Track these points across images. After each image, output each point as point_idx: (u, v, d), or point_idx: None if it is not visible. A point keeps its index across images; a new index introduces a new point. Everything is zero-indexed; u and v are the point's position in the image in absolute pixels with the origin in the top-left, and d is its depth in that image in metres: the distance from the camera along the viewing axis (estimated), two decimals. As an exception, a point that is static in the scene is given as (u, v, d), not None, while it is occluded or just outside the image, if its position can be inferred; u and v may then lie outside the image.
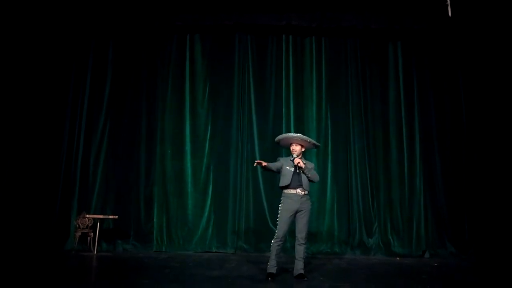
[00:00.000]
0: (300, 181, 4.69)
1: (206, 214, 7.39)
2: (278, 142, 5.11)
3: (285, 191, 4.74)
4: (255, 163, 4.88)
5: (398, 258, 6.91)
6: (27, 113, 7.49)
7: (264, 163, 4.83)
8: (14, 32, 7.42)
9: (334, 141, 7.62)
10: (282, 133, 7.37)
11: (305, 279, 4.64)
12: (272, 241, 4.72)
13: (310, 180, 4.79)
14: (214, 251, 7.17)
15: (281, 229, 4.68)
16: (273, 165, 4.88)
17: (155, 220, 7.35)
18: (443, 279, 5.25)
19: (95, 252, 6.70)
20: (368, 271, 5.61)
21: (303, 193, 4.68)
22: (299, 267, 4.69)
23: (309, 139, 4.98)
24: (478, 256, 6.92)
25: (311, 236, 7.12)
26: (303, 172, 4.73)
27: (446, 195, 7.37)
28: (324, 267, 5.78)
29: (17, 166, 7.30)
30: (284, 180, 4.73)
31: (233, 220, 7.33)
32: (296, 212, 4.66)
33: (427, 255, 7.06)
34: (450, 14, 5.94)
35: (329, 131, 7.65)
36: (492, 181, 7.19)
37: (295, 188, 4.68)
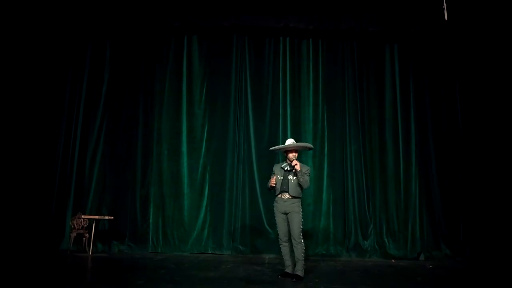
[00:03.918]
0: (287, 186, 4.95)
1: (202, 215, 7.38)
2: (272, 151, 5.45)
3: (275, 196, 5.06)
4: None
5: (393, 260, 6.94)
6: (24, 112, 7.46)
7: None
8: (11, 31, 7.39)
9: (330, 143, 7.63)
10: (278, 134, 7.55)
11: (293, 279, 4.79)
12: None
13: (300, 185, 4.96)
14: (210, 252, 7.17)
15: (278, 230, 5.04)
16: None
17: (151, 221, 7.33)
18: (437, 281, 5.27)
19: (90, 253, 6.68)
20: (363, 273, 5.63)
21: (286, 197, 4.93)
22: (296, 267, 4.87)
23: (303, 145, 5.31)
24: (472, 258, 6.95)
25: (307, 238, 7.14)
26: (296, 174, 4.88)
27: (441, 198, 7.40)
28: (319, 269, 5.80)
29: (12, 165, 7.25)
30: (275, 187, 5.04)
31: (229, 221, 7.32)
32: (286, 214, 4.94)
33: (422, 257, 7.08)
34: (446, 17, 5.97)
35: (326, 132, 7.66)
36: (487, 184, 7.22)
37: (281, 193, 4.98)
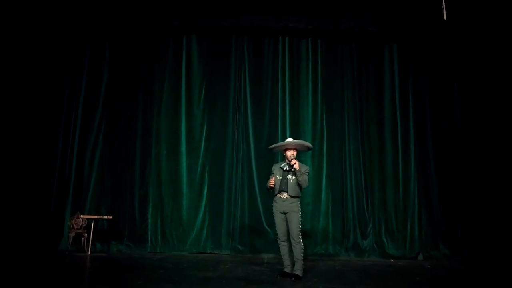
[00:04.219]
0: (286, 186, 4.93)
1: (201, 214, 7.38)
2: (271, 150, 5.36)
3: (274, 196, 5.05)
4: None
5: (392, 260, 6.95)
6: (22, 112, 7.45)
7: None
8: (11, 30, 7.37)
9: (329, 143, 7.63)
10: (277, 134, 7.54)
11: (292, 279, 4.78)
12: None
13: (298, 184, 4.94)
14: (209, 252, 7.17)
15: (277, 230, 5.04)
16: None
17: (149, 220, 7.33)
18: (436, 281, 5.28)
19: (89, 253, 6.67)
20: (362, 272, 5.63)
21: (285, 196, 4.92)
22: (295, 267, 4.86)
23: (303, 143, 5.25)
24: (471, 258, 6.97)
25: (306, 237, 7.14)
26: (295, 174, 4.87)
27: (440, 197, 7.41)
28: (318, 268, 5.80)
29: (11, 165, 7.24)
30: (274, 187, 5.02)
31: (228, 221, 7.32)
32: (284, 214, 4.93)
33: (420, 256, 7.09)
34: (445, 17, 5.98)
35: (325, 132, 7.66)
36: (486, 184, 7.23)
37: (279, 192, 4.97)
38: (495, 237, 6.94)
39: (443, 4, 5.96)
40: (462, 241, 7.19)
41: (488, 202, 7.15)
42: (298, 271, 4.81)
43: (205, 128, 7.70)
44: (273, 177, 5.02)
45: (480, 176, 7.31)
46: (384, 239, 7.26)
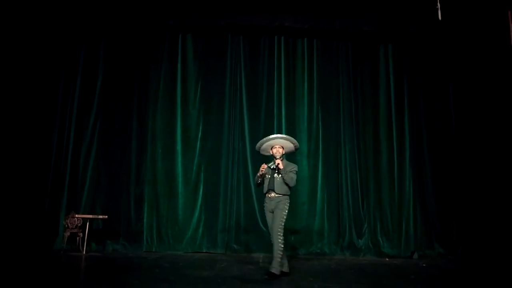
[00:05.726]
0: (273, 185, 4.96)
1: (196, 214, 7.38)
2: (258, 151, 5.36)
3: (264, 195, 5.10)
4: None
5: (387, 259, 6.97)
6: (17, 111, 7.39)
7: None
8: (5, 29, 7.31)
9: (325, 142, 7.65)
10: (273, 133, 7.38)
11: (266, 277, 4.72)
12: None
13: (285, 183, 4.95)
14: (205, 251, 7.16)
15: (269, 229, 5.06)
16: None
17: (145, 220, 7.32)
18: (431, 279, 5.31)
19: (84, 252, 6.65)
20: (358, 271, 5.65)
21: (273, 195, 4.96)
22: (272, 264, 4.77)
23: (286, 137, 5.18)
24: (465, 257, 7.01)
25: (302, 236, 7.17)
26: (279, 173, 4.92)
27: (435, 197, 7.45)
28: (313, 268, 5.81)
29: (5, 164, 7.19)
30: (263, 185, 5.11)
31: (224, 220, 7.32)
32: (273, 212, 4.95)
33: (415, 255, 7.12)
34: (440, 17, 6.01)
35: (320, 132, 7.68)
36: (481, 183, 7.27)
37: (268, 192, 5.02)
38: (490, 236, 6.98)
39: (438, 4, 5.99)
40: (456, 240, 7.23)
41: (483, 202, 7.19)
42: (274, 269, 4.70)
43: (200, 127, 7.69)
44: (263, 166, 4.97)
45: (475, 175, 7.35)
46: (380, 238, 7.29)
